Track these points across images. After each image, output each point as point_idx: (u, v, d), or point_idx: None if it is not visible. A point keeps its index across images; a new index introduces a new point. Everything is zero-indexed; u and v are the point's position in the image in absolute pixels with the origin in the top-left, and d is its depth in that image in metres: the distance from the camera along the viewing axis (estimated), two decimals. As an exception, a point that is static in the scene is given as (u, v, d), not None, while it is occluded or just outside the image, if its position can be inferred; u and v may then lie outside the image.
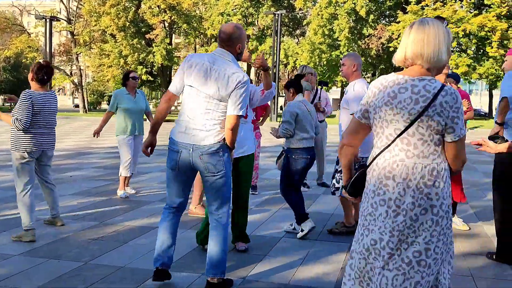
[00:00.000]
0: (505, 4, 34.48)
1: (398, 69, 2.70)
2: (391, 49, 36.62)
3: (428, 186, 2.17)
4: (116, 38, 40.04)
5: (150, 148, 3.66)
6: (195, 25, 42.37)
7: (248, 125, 4.50)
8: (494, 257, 4.40)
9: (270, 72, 4.39)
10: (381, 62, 40.48)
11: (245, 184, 4.48)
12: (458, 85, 6.92)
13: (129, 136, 6.78)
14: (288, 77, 47.18)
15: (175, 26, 43.17)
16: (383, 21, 41.97)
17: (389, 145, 2.23)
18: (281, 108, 10.49)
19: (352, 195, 2.48)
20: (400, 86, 2.21)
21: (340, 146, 2.48)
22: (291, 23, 47.27)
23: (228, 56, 3.51)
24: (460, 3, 36.08)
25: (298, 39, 47.87)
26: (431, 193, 2.18)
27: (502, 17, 34.06)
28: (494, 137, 4.33)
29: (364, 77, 42.54)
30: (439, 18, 2.18)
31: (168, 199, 3.69)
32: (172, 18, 40.66)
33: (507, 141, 4.26)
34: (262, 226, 5.39)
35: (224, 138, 3.46)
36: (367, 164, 2.36)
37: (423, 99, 2.15)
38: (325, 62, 38.66)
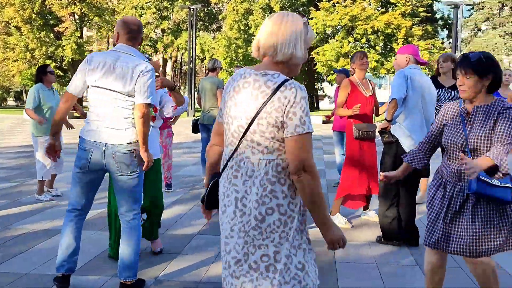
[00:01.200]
0: (409, 3, 36.52)
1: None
2: (305, 44, 37.53)
3: (272, 182, 2.01)
4: (22, 31, 37.72)
5: (56, 151, 3.53)
6: (107, 18, 40.88)
7: (156, 130, 4.37)
8: (381, 239, 4.79)
9: (179, 86, 4.33)
10: (295, 57, 41.34)
11: (157, 185, 4.35)
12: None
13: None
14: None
15: (86, 19, 41.41)
16: (297, 17, 42.91)
17: (237, 144, 2.08)
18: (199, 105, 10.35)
19: (209, 208, 2.29)
20: (244, 81, 2.09)
21: (208, 146, 2.36)
22: (206, 18, 47.05)
23: (131, 50, 3.44)
24: (368, 1, 37.72)
25: (214, 34, 47.80)
26: (277, 191, 2.01)
27: (406, 15, 36.04)
28: (382, 132, 4.69)
29: (280, 72, 43.20)
30: (300, 14, 2.14)
31: (72, 200, 3.53)
32: (83, 10, 38.97)
33: (393, 136, 4.64)
34: (176, 224, 5.35)
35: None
36: (222, 168, 2.19)
37: (262, 95, 2.01)
38: (241, 57, 38.93)
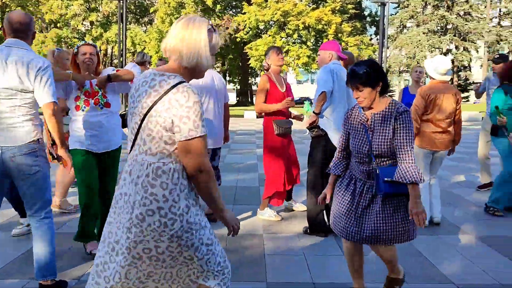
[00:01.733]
0: (339, 0, 37.45)
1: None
2: (238, 39, 37.70)
3: (153, 185, 2.08)
4: None
5: None
6: (31, 8, 39.08)
7: (115, 116, 4.17)
8: (308, 231, 4.84)
9: (114, 72, 4.12)
10: (229, 53, 41.40)
11: (113, 181, 4.26)
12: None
13: None
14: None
15: (7, 10, 39.33)
16: (230, 12, 42.95)
17: (133, 139, 2.17)
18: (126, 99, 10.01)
19: None
20: (144, 80, 2.18)
21: None
22: (137, 10, 46.03)
23: (23, 45, 3.24)
24: (300, -3, 38.32)
25: (145, 27, 46.83)
26: (158, 195, 2.08)
27: (336, 11, 36.98)
28: (311, 128, 4.76)
29: (214, 67, 43.14)
30: (208, 19, 2.22)
31: None
32: (4, 0, 37.02)
33: (322, 130, 4.72)
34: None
35: (39, 136, 3.24)
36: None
37: (155, 93, 2.09)
38: (174, 51, 38.46)
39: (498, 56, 6.74)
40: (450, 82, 5.26)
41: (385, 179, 2.93)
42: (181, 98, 2.04)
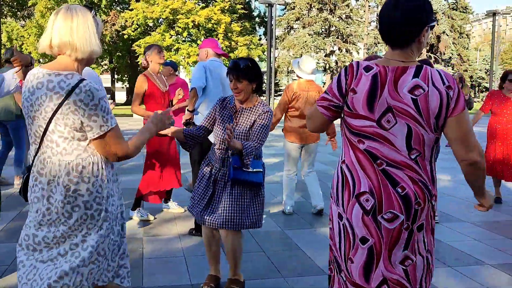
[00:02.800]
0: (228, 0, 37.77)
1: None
2: (125, 36, 36.59)
3: (75, 183, 2.10)
4: None
5: None
6: None
7: None
8: (194, 232, 4.78)
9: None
10: (117, 50, 40.03)
11: None
12: (176, 73, 7.28)
13: None
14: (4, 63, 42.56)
15: None
16: (117, 8, 41.52)
17: (39, 142, 2.13)
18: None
19: (27, 200, 2.30)
20: (38, 81, 2.09)
21: None
22: (14, 3, 42.81)
23: None
24: (189, -5, 38.07)
25: (24, 21, 43.73)
26: (81, 190, 2.11)
27: (226, 11, 37.22)
28: (187, 124, 4.71)
29: (101, 65, 41.48)
30: (87, 7, 2.15)
31: None
32: None
33: (196, 126, 4.69)
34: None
35: None
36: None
37: (56, 96, 2.03)
38: (56, 48, 36.33)
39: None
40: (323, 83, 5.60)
41: (234, 165, 3.18)
42: (85, 98, 2.04)
